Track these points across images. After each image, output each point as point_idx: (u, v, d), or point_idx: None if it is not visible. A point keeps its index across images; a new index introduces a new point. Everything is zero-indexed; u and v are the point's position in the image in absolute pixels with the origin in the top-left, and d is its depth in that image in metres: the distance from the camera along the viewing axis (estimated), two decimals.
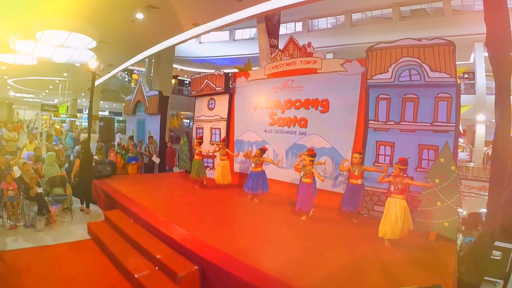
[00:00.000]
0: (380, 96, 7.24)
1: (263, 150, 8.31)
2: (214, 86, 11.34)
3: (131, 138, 15.20)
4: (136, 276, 5.01)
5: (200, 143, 10.03)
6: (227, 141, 10.29)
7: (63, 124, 33.78)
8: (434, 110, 6.55)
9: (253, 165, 8.34)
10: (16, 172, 8.58)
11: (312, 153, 6.99)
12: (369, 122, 7.36)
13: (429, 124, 6.58)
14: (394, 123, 7.00)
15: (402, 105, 6.92)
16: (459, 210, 5.67)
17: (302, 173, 7.02)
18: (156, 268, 5.27)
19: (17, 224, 7.57)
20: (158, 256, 5.35)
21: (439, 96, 6.52)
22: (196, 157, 9.87)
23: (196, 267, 4.93)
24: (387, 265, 4.75)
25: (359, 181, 6.72)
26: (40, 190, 8.26)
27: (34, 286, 4.99)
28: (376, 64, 7.21)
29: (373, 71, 7.24)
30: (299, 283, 4.08)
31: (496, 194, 5.47)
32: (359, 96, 7.75)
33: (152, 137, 13.33)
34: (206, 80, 11.67)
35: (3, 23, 12.45)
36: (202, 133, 11.94)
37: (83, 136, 13.90)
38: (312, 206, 6.99)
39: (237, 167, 10.55)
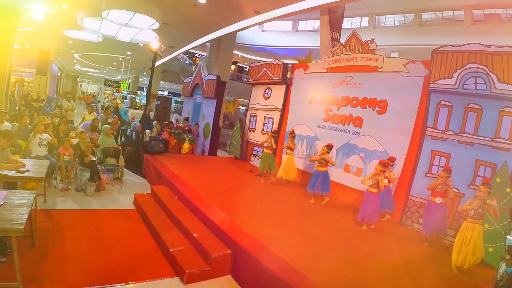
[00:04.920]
0: (442, 102, 6.83)
1: (330, 147, 7.90)
2: (272, 76, 11.32)
3: (186, 119, 15.57)
4: (170, 250, 5.22)
5: (274, 137, 9.65)
6: (278, 133, 10.25)
7: (124, 100, 35.36)
8: (497, 125, 6.02)
9: (317, 163, 8.03)
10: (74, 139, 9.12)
11: (384, 163, 6.53)
12: (427, 129, 6.97)
13: (490, 139, 6.05)
14: (453, 133, 6.56)
15: (464, 115, 6.45)
16: (507, 237, 5.24)
17: (371, 182, 6.55)
18: (191, 245, 5.44)
19: (69, 187, 8.09)
20: (194, 235, 5.54)
21: (504, 110, 5.98)
22: (266, 150, 9.52)
23: (229, 251, 5.07)
24: (415, 278, 4.62)
25: (438, 200, 5.93)
26: (94, 158, 8.71)
27: (73, 244, 5.33)
28: (440, 68, 6.80)
29: (437, 75, 6.84)
30: (323, 282, 4.09)
31: None
32: (419, 100, 7.37)
33: None
34: (264, 69, 11.68)
35: (73, 1, 13.04)
36: (256, 121, 11.98)
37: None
38: (377, 218, 6.50)
39: (299, 165, 9.91)
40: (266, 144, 9.45)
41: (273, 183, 9.27)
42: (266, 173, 9.53)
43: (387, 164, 6.61)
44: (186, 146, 13.09)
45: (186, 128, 14.05)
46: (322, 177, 7.86)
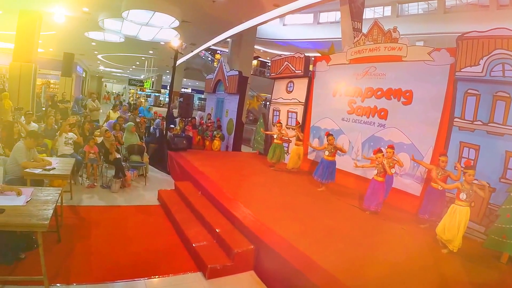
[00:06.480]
0: (469, 91, 6.52)
1: (328, 135, 8.16)
2: (294, 69, 11.22)
3: (209, 115, 15.66)
4: (193, 245, 5.30)
5: (281, 127, 9.93)
6: (303, 126, 10.17)
7: (148, 98, 35.99)
8: None
9: (326, 152, 8.11)
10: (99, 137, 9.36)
11: (379, 149, 6.80)
12: (454, 120, 6.68)
13: None
14: (481, 123, 6.23)
15: (492, 104, 6.12)
16: None
17: (376, 171, 6.74)
18: (214, 241, 5.49)
19: (95, 184, 8.36)
20: (217, 230, 5.59)
21: None
22: (276, 141, 9.83)
23: (252, 246, 5.08)
24: (444, 277, 4.48)
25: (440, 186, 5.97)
26: (118, 155, 8.96)
27: (100, 238, 5.50)
28: (466, 55, 6.50)
29: (463, 63, 6.55)
30: (346, 278, 4.01)
31: None
32: (445, 89, 7.09)
33: None
34: (286, 62, 11.59)
35: (93, 3, 13.25)
36: (279, 115, 11.90)
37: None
38: (380, 206, 6.65)
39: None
40: (275, 136, 9.83)
41: (297, 176, 9.31)
42: (276, 162, 9.91)
43: (380, 150, 6.80)
44: (216, 143, 13.12)
45: (209, 124, 14.10)
46: (332, 167, 8.08)
